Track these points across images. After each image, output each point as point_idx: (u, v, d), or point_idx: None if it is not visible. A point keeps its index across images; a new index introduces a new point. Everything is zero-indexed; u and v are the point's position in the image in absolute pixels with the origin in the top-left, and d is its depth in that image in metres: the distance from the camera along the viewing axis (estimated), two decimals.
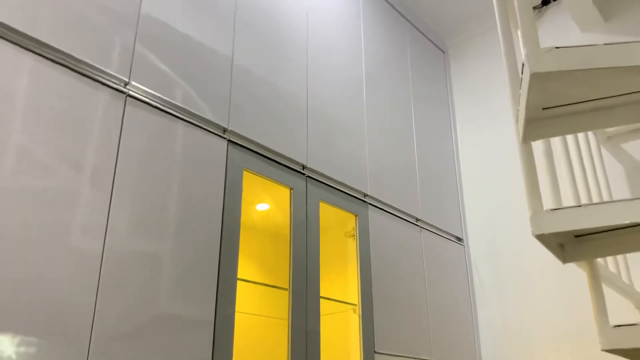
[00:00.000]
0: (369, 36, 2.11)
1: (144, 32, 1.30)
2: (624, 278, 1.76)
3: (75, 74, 1.15)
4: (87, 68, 1.17)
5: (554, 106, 1.14)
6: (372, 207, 1.86)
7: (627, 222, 1.09)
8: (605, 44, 0.95)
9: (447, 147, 2.42)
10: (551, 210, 1.11)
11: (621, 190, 1.99)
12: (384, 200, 1.91)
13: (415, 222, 2.04)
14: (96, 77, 1.18)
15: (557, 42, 2.23)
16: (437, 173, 2.28)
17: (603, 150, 2.07)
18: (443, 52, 2.63)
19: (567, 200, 1.45)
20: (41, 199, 1.03)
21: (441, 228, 2.17)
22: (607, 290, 1.61)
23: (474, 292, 2.23)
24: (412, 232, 2.01)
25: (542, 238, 1.16)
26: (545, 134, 1.16)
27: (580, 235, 1.27)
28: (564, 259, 1.29)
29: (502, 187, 2.27)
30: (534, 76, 0.96)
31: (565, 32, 2.30)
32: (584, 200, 1.64)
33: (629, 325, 1.20)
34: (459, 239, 2.27)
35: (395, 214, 1.95)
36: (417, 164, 2.16)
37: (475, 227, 2.31)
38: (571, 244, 1.28)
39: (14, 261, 0.97)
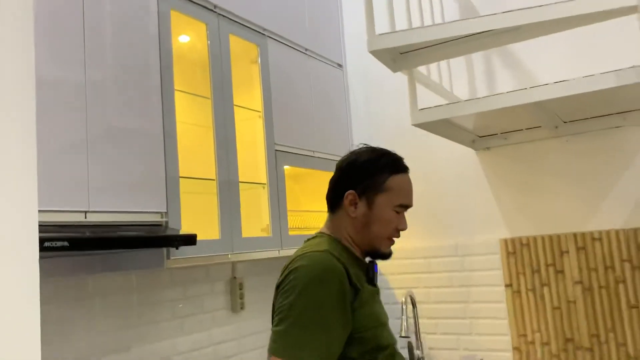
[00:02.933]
0: None
1: None
2: (447, 86, 2.49)
3: None
4: None
5: None
6: (270, 39, 2.41)
7: (421, 40, 1.74)
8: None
9: None
10: (378, 35, 1.73)
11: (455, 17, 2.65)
12: (278, 33, 2.46)
13: (304, 52, 2.63)
14: None
15: None
16: (321, 10, 2.82)
17: None
18: None
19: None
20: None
21: (325, 56, 2.78)
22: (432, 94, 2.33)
23: (349, 102, 2.93)
24: (301, 59, 2.61)
25: (375, 54, 1.80)
26: None
27: (404, 53, 1.92)
28: (394, 69, 1.95)
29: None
30: None
31: None
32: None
33: (427, 108, 1.92)
34: (340, 65, 2.90)
35: (288, 44, 2.52)
36: (305, 3, 2.68)
37: (352, 56, 2.93)
38: (399, 59, 1.93)
39: None
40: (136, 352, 2.03)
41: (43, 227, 1.35)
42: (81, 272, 1.87)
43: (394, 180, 1.37)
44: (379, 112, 2.87)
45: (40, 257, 1.67)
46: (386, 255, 1.40)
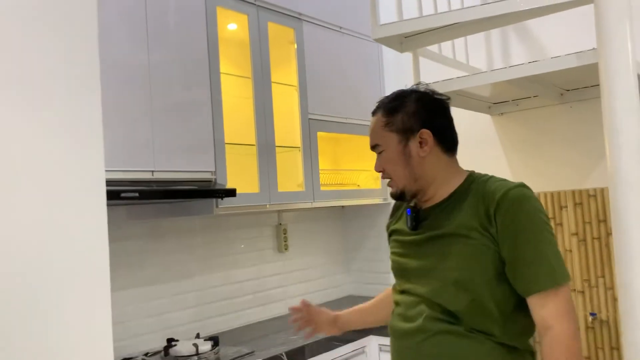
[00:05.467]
0: None
1: None
2: (463, 59, 2.76)
3: None
4: None
5: None
6: (305, 22, 2.80)
7: (418, 29, 2.07)
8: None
9: None
10: (380, 25, 2.08)
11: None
12: (313, 16, 2.83)
13: (338, 30, 2.99)
14: None
15: None
16: None
17: None
18: None
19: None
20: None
21: (360, 32, 3.12)
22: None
23: (383, 71, 3.27)
24: (336, 37, 2.97)
25: (380, 41, 2.16)
26: None
27: (408, 36, 2.25)
28: (401, 51, 2.29)
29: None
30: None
31: None
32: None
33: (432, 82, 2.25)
34: None
35: (322, 25, 2.89)
36: None
37: None
38: (405, 42, 2.27)
39: None
40: (198, 279, 2.59)
41: (120, 182, 1.89)
42: (156, 217, 2.43)
43: None
44: (411, 80, 3.18)
45: (120, 205, 2.26)
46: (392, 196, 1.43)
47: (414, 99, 1.40)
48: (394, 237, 1.46)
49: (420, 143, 1.36)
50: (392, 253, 1.45)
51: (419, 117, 1.37)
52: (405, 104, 1.39)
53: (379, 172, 1.42)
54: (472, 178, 1.39)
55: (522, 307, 1.26)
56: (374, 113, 1.48)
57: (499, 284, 1.24)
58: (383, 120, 1.41)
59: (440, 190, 1.37)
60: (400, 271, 1.40)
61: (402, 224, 1.44)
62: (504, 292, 1.25)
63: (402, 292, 1.39)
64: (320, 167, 2.82)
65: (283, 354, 2.17)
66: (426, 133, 1.37)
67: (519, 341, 1.28)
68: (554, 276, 1.21)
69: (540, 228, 1.24)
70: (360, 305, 1.70)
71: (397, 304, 1.41)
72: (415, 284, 1.33)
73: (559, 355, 1.17)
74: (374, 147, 1.42)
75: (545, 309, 1.20)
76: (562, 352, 1.17)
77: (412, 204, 1.42)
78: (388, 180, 1.42)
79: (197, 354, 2.17)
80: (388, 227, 1.54)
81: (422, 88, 1.44)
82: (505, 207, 1.24)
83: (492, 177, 1.39)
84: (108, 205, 1.29)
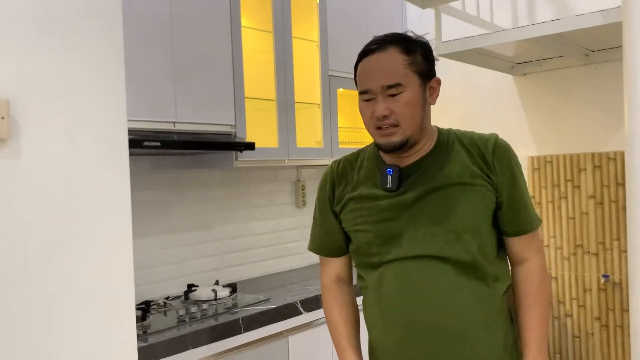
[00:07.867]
0: None
1: None
2: (487, 18, 2.72)
3: None
4: None
5: None
6: None
7: None
8: None
9: None
10: None
11: None
12: None
13: None
14: None
15: None
16: None
17: None
18: None
19: None
20: None
21: None
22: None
23: (406, 29, 3.23)
24: None
25: None
26: None
27: None
28: (423, 7, 2.27)
29: None
30: None
31: None
32: None
33: (448, 41, 2.24)
34: None
35: None
36: None
37: None
38: None
39: None
40: (217, 231, 2.68)
41: (142, 132, 1.94)
42: (177, 168, 2.50)
43: (357, 70, 1.32)
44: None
45: (142, 154, 2.34)
46: (383, 148, 1.29)
47: (420, 44, 1.30)
48: (358, 205, 1.34)
49: (431, 90, 1.31)
50: (363, 222, 1.33)
51: (429, 62, 1.30)
52: (417, 46, 1.29)
53: (384, 116, 1.24)
54: (445, 130, 1.38)
55: (502, 247, 1.38)
56: (379, 49, 1.28)
57: (493, 227, 1.33)
58: (405, 58, 1.25)
59: (427, 143, 1.33)
60: (383, 239, 1.31)
61: (369, 188, 1.34)
62: (495, 235, 1.34)
63: (390, 259, 1.31)
64: (339, 125, 2.84)
65: (297, 302, 2.25)
66: (437, 82, 1.32)
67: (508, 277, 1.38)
68: (538, 217, 1.38)
69: (522, 173, 1.36)
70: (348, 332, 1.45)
71: (383, 274, 1.32)
72: (412, 246, 1.29)
73: (538, 282, 1.34)
74: (391, 87, 1.23)
75: (526, 244, 1.35)
76: (540, 278, 1.35)
77: (390, 163, 1.33)
78: (387, 127, 1.26)
79: (215, 299, 2.26)
80: (340, 196, 1.39)
81: (413, 35, 1.33)
82: (501, 154, 1.31)
83: (458, 129, 1.41)
84: (131, 154, 1.34)
